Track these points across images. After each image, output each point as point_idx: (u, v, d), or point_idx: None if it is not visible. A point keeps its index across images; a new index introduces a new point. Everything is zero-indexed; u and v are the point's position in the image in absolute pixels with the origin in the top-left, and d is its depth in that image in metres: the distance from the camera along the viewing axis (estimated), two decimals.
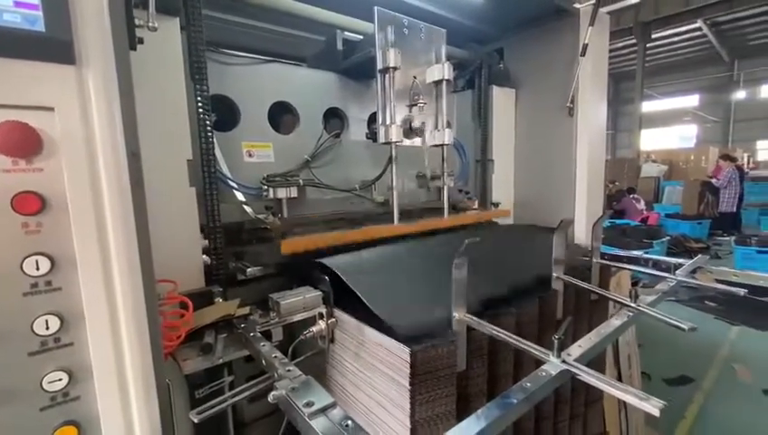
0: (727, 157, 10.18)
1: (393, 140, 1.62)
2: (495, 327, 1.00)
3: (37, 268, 0.71)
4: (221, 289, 1.37)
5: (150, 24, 0.95)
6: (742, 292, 1.32)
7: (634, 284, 5.52)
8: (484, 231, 2.05)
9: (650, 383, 3.50)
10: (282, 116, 1.89)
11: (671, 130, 20.43)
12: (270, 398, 0.80)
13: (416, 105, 1.73)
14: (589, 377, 0.79)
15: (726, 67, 17.68)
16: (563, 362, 0.82)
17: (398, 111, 1.69)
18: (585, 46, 2.05)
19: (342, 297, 1.22)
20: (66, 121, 0.72)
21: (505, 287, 1.33)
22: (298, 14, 1.80)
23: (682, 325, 0.97)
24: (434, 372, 1.02)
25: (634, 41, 13.28)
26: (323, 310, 1.13)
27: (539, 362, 0.90)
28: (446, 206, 1.93)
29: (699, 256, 1.77)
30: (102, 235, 0.76)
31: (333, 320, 1.14)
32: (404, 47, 1.65)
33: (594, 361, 1.25)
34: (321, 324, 1.11)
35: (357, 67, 1.92)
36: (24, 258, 0.70)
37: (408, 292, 1.25)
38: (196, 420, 0.79)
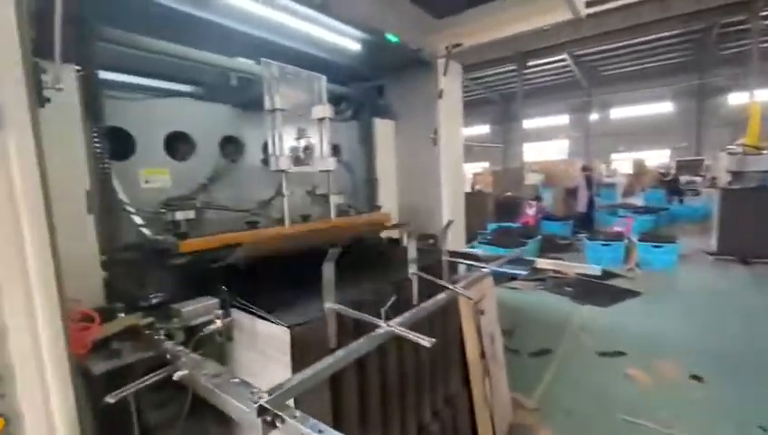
0: (585, 168, 12.31)
1: (282, 168, 1.93)
2: (356, 312, 1.36)
3: None
4: (122, 305, 1.53)
5: (57, 87, 1.12)
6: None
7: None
8: (359, 246, 2.45)
9: (519, 357, 4.25)
10: (178, 144, 2.08)
11: (550, 144, 23.90)
12: (175, 377, 1.05)
13: (302, 138, 2.07)
14: (404, 333, 1.19)
15: (585, 92, 21.29)
16: (389, 326, 1.21)
17: (288, 142, 2.02)
18: (441, 91, 2.60)
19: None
20: None
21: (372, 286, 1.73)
22: (189, 59, 2.01)
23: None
24: (308, 347, 1.34)
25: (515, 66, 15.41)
26: (219, 311, 1.39)
27: None
28: (332, 213, 2.28)
29: (517, 249, 2.36)
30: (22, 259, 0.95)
31: (229, 319, 1.41)
32: (290, 90, 1.98)
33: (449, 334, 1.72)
34: (218, 322, 1.37)
35: (251, 101, 2.20)
36: None
37: (288, 290, 1.57)
38: (112, 401, 1.01)
